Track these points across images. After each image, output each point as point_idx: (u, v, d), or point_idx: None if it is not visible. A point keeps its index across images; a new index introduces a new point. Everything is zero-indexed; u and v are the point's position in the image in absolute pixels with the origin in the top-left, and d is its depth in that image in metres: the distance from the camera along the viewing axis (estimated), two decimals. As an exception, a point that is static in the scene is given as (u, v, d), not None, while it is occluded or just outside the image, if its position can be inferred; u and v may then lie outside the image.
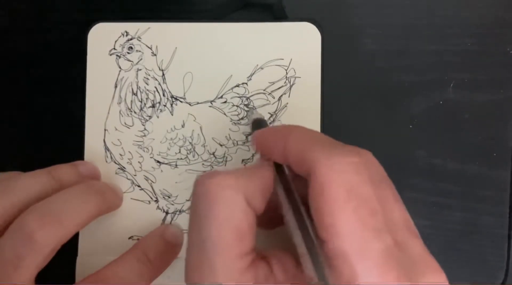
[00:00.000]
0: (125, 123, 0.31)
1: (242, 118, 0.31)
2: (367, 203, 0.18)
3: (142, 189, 0.31)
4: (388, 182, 0.20)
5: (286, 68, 0.31)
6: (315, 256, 0.18)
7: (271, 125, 0.31)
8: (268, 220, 0.22)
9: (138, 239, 0.31)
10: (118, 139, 0.31)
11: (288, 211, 0.20)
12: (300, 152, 0.20)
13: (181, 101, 0.31)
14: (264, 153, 0.23)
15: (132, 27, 0.31)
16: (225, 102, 0.31)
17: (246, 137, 0.31)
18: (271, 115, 0.31)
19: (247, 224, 0.20)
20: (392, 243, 0.18)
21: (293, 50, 0.31)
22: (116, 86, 0.31)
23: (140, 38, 0.31)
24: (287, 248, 0.21)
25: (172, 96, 0.31)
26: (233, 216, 0.20)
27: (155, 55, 0.31)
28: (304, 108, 0.31)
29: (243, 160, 0.31)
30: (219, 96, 0.31)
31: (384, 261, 0.17)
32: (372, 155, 0.20)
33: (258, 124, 0.27)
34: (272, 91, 0.31)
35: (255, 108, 0.31)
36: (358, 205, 0.18)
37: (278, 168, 0.22)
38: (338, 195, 0.18)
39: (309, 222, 0.19)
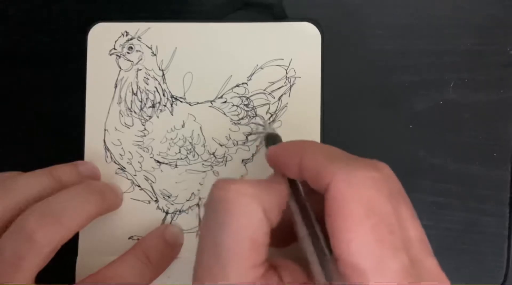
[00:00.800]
0: (125, 123, 0.31)
1: (242, 118, 0.31)
2: (386, 220, 0.18)
3: (142, 189, 0.31)
4: (405, 197, 0.20)
5: (286, 68, 0.31)
6: (328, 271, 0.18)
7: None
8: (280, 237, 0.22)
9: (138, 239, 0.31)
10: (118, 139, 0.31)
11: (302, 227, 0.20)
12: (317, 167, 0.20)
13: (181, 101, 0.31)
14: (278, 169, 0.23)
15: (132, 27, 0.31)
16: (225, 102, 0.31)
17: (246, 137, 0.31)
18: (271, 115, 0.31)
19: (263, 235, 0.19)
20: (407, 262, 0.18)
21: (293, 50, 0.31)
22: (116, 86, 0.31)
23: (140, 38, 0.31)
24: (298, 264, 0.20)
25: (172, 96, 0.31)
26: (250, 225, 0.19)
27: (155, 55, 0.31)
28: (304, 108, 0.31)
29: (243, 160, 0.31)
30: (219, 96, 0.31)
31: (401, 280, 0.17)
32: (390, 168, 0.20)
33: (272, 139, 0.27)
34: (272, 91, 0.31)
35: (269, 122, 0.31)
36: (377, 223, 0.18)
37: (292, 183, 0.22)
38: (357, 211, 0.18)
39: (323, 238, 0.19)
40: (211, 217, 0.20)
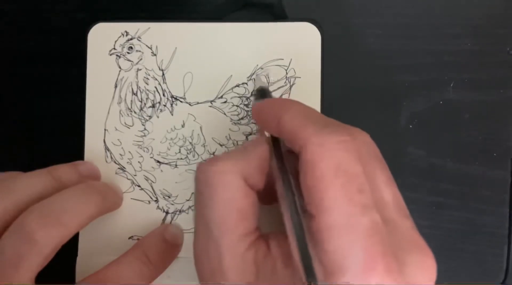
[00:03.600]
0: (125, 123, 0.31)
1: (242, 118, 0.31)
2: (355, 180, 0.19)
3: (142, 189, 0.31)
4: (382, 162, 0.21)
5: (286, 68, 0.31)
6: (297, 227, 0.19)
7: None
8: (269, 194, 0.22)
9: (138, 239, 0.31)
10: (118, 139, 0.31)
11: (279, 186, 0.21)
12: (293, 128, 0.21)
13: (181, 101, 0.31)
14: (261, 125, 0.24)
15: (132, 27, 0.31)
16: (225, 102, 0.31)
17: (246, 137, 0.31)
18: (271, 115, 0.31)
19: (249, 205, 0.21)
20: (379, 220, 0.18)
21: (293, 50, 0.31)
22: (116, 86, 0.31)
23: (140, 38, 0.31)
24: (284, 227, 0.21)
25: (172, 96, 0.31)
26: (234, 198, 0.20)
27: (155, 55, 0.31)
28: (304, 108, 0.31)
29: (243, 160, 0.31)
30: (219, 96, 0.31)
31: (370, 236, 0.18)
32: (368, 135, 0.21)
33: (261, 93, 0.27)
34: (272, 91, 0.31)
35: (260, 74, 0.31)
36: (346, 182, 0.19)
37: (275, 141, 0.22)
38: (326, 171, 0.19)
39: (298, 196, 0.20)
40: (199, 199, 0.22)
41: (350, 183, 0.19)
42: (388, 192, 0.20)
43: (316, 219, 0.19)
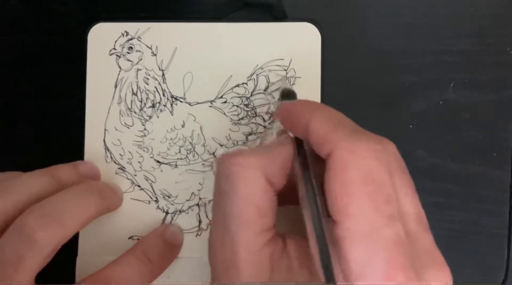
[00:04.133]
0: (125, 123, 0.31)
1: (242, 118, 0.31)
2: (383, 190, 0.19)
3: (142, 189, 0.31)
4: (407, 174, 0.21)
5: (286, 68, 0.31)
6: (320, 232, 0.18)
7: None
8: (286, 196, 0.22)
9: (138, 239, 0.31)
10: (118, 139, 0.31)
11: (302, 187, 0.21)
12: (322, 133, 0.20)
13: (181, 101, 0.31)
14: (287, 127, 0.24)
15: (132, 27, 0.31)
16: (225, 102, 0.31)
17: (246, 137, 0.31)
18: (271, 115, 0.31)
19: (268, 202, 0.21)
20: (402, 232, 0.18)
21: (293, 50, 0.31)
22: (116, 86, 0.31)
23: (140, 38, 0.31)
24: (303, 229, 0.21)
25: (172, 96, 0.31)
26: (254, 194, 0.20)
27: (155, 55, 0.31)
28: (304, 108, 0.31)
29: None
30: (219, 96, 0.31)
31: (393, 247, 0.18)
32: (395, 146, 0.21)
33: (286, 95, 0.27)
34: (272, 91, 0.31)
35: (286, 76, 0.31)
36: (373, 190, 0.18)
37: (299, 143, 0.22)
38: (355, 178, 0.19)
39: (321, 200, 0.20)
40: (218, 192, 0.21)
41: (378, 192, 0.18)
42: (412, 205, 0.20)
43: (339, 225, 0.18)
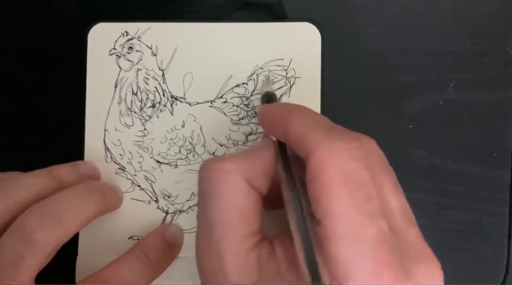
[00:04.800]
0: (125, 123, 0.31)
1: (242, 118, 0.31)
2: (363, 188, 0.19)
3: (142, 189, 0.31)
4: (389, 170, 0.20)
5: (286, 68, 0.31)
6: (304, 234, 0.18)
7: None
8: (273, 199, 0.22)
9: (138, 239, 0.31)
10: (118, 139, 0.31)
11: (285, 189, 0.21)
12: (300, 134, 0.20)
13: (181, 101, 0.31)
14: (267, 130, 0.24)
15: (132, 27, 0.31)
16: (225, 102, 0.31)
17: (246, 137, 0.31)
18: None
19: (251, 206, 0.21)
20: (387, 228, 0.18)
21: (293, 50, 0.31)
22: (116, 86, 0.31)
23: (140, 38, 0.31)
24: (290, 231, 0.21)
25: (172, 96, 0.31)
26: (236, 199, 0.20)
27: (155, 55, 0.31)
28: (304, 108, 0.31)
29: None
30: (219, 96, 0.31)
31: (378, 244, 0.18)
32: (375, 143, 0.21)
33: (268, 98, 0.27)
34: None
35: (267, 79, 0.31)
36: (353, 189, 0.18)
37: (281, 146, 0.22)
38: (334, 178, 0.19)
39: (305, 202, 0.20)
40: (202, 198, 0.22)
41: (357, 190, 0.18)
42: (395, 200, 0.20)
43: (322, 225, 0.18)
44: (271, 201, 0.22)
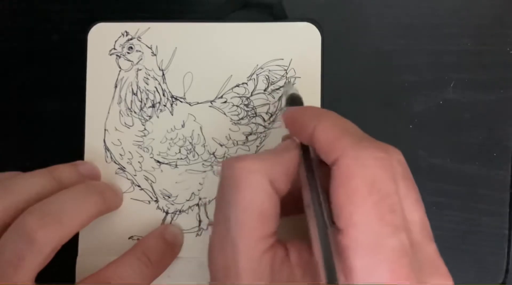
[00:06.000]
0: (125, 123, 0.31)
1: (242, 118, 0.31)
2: (388, 200, 0.18)
3: (142, 189, 0.31)
4: (412, 183, 0.20)
5: (286, 68, 0.31)
6: (324, 240, 0.18)
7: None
8: (289, 204, 0.22)
9: (138, 239, 0.31)
10: (118, 139, 0.31)
11: (307, 194, 0.20)
12: (328, 140, 0.20)
13: (181, 101, 0.31)
14: (292, 132, 0.23)
15: (132, 27, 0.31)
16: (225, 102, 0.31)
17: (246, 137, 0.31)
18: (271, 116, 0.31)
19: (271, 208, 0.20)
20: (407, 242, 0.18)
21: (293, 50, 0.31)
22: (116, 86, 0.31)
23: (140, 38, 0.31)
24: (305, 237, 0.21)
25: (172, 96, 0.31)
26: (257, 200, 0.20)
27: (155, 55, 0.31)
28: (304, 108, 0.31)
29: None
30: (219, 96, 0.31)
31: (397, 258, 0.18)
32: (401, 154, 0.20)
33: (293, 100, 0.27)
34: (272, 91, 0.31)
35: (291, 81, 0.31)
36: (378, 200, 0.18)
37: (304, 149, 0.22)
38: (361, 187, 0.18)
39: (326, 208, 0.19)
40: (221, 194, 0.21)
41: (383, 201, 0.18)
42: (416, 214, 0.20)
43: (343, 234, 0.18)
44: (288, 207, 0.22)
